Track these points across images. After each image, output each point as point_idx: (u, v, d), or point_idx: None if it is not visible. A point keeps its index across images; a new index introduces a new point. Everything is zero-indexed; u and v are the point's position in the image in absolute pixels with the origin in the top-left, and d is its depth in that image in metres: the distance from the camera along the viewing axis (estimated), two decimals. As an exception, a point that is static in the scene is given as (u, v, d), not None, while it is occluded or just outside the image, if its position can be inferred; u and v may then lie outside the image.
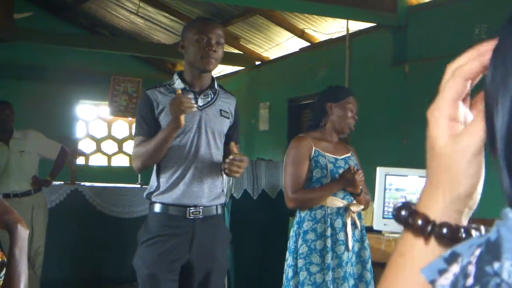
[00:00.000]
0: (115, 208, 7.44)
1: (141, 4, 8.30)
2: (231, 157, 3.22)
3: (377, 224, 4.39)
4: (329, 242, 3.87)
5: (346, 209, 3.92)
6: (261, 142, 9.88)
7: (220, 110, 3.43)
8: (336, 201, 3.91)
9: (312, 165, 3.95)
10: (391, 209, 4.34)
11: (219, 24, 3.56)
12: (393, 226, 4.35)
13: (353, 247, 3.93)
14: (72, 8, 11.06)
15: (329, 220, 3.89)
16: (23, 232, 2.13)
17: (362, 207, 3.97)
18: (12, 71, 10.70)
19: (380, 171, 4.37)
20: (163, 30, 10.52)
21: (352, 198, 3.96)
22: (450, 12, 6.67)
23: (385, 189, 4.34)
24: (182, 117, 3.16)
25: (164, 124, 3.30)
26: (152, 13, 9.89)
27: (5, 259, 2.18)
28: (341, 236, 3.89)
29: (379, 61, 7.57)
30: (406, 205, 0.81)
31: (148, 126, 3.34)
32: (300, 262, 3.90)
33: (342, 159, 3.99)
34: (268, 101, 9.71)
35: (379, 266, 4.50)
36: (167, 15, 9.73)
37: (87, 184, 7.65)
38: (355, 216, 3.93)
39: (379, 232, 4.39)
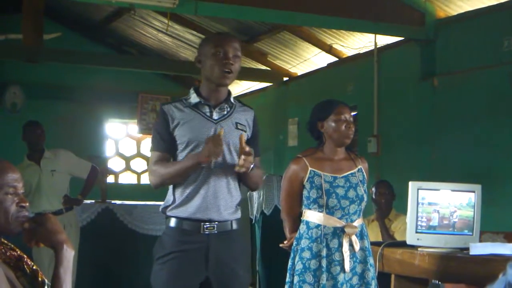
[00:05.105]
0: (146, 226, 7.46)
1: (169, 22, 8.34)
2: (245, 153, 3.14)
3: (411, 238, 4.34)
4: (324, 262, 3.81)
5: (344, 229, 3.86)
6: (290, 158, 9.80)
7: (236, 123, 3.33)
8: (333, 221, 3.86)
9: (308, 186, 3.93)
10: (424, 224, 4.30)
11: (236, 38, 3.47)
12: (427, 241, 4.31)
13: (354, 268, 3.85)
14: (100, 28, 11.18)
15: (325, 240, 3.84)
16: (68, 253, 2.14)
17: (357, 229, 3.88)
18: (42, 91, 10.84)
19: (412, 185, 4.33)
20: (191, 47, 10.58)
21: (352, 219, 3.88)
22: (478, 25, 6.63)
23: (417, 203, 4.30)
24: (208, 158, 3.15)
25: (180, 138, 3.26)
26: (180, 31, 9.96)
27: (45, 279, 2.19)
28: (336, 256, 3.82)
29: (408, 75, 7.53)
30: None
31: (164, 142, 3.28)
32: (296, 279, 3.86)
33: (343, 177, 3.92)
34: (297, 116, 9.70)
35: (413, 282, 4.46)
36: (194, 32, 9.79)
37: (118, 202, 7.68)
38: (353, 237, 3.86)
39: (412, 246, 4.34)
